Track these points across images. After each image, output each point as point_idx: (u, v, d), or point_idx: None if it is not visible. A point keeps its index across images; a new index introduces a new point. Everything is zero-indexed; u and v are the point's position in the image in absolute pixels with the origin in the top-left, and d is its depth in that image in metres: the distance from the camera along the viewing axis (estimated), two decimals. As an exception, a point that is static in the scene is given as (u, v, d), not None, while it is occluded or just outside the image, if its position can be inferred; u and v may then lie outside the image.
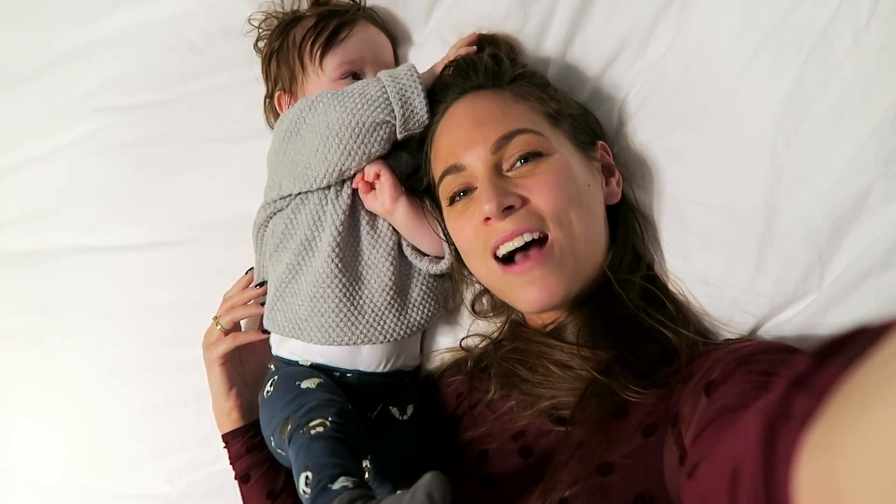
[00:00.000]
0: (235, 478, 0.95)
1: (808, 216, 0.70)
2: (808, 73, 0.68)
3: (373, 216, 0.91)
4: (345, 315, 0.87)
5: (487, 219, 0.77)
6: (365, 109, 0.83)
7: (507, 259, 0.78)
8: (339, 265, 0.87)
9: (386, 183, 0.86)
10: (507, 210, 0.76)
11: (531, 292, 0.77)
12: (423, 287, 0.92)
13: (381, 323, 0.89)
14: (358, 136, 0.84)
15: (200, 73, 1.10)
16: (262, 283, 0.96)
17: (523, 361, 0.80)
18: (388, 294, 0.89)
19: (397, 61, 1.02)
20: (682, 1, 0.84)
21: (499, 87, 0.84)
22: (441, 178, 0.84)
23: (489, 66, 0.85)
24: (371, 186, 0.88)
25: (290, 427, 0.75)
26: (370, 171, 0.87)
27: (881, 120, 0.65)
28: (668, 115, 0.83)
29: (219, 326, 0.96)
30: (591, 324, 0.78)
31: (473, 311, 0.96)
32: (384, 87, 0.84)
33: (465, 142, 0.80)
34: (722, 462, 0.41)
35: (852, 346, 0.31)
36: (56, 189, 1.18)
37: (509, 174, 0.79)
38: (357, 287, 0.88)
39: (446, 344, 0.99)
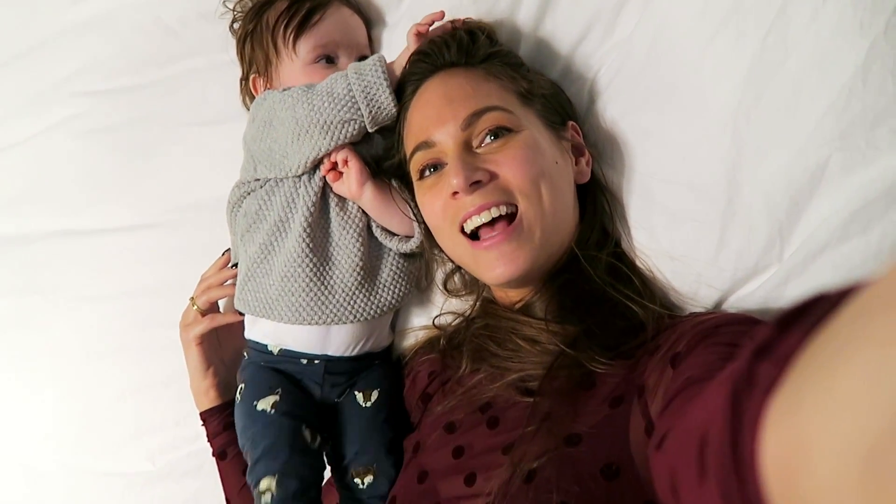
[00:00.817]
0: (213, 454, 0.96)
1: (768, 191, 0.71)
2: (767, 49, 0.69)
3: (342, 199, 0.91)
4: (315, 295, 0.88)
5: (455, 193, 0.78)
6: (332, 108, 0.84)
7: (474, 235, 0.80)
8: (310, 245, 0.88)
9: (353, 168, 0.87)
10: (475, 185, 0.77)
11: (497, 266, 0.78)
12: (394, 268, 0.93)
13: (352, 303, 0.90)
14: (327, 133, 0.85)
15: (178, 56, 1.10)
16: (238, 264, 0.97)
17: (493, 337, 0.82)
18: (357, 274, 0.89)
19: (371, 43, 1.02)
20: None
21: (471, 65, 0.85)
22: (412, 154, 0.84)
23: (463, 43, 0.85)
24: (339, 172, 0.88)
25: (247, 471, 0.85)
26: (337, 157, 0.87)
27: (837, 95, 0.66)
28: (636, 94, 0.84)
29: (195, 307, 0.97)
30: (558, 299, 0.80)
31: (446, 289, 0.97)
32: (350, 84, 0.84)
33: (435, 119, 0.81)
34: (689, 432, 0.41)
35: (812, 313, 0.31)
36: (36, 173, 1.18)
37: (479, 150, 0.79)
38: (327, 267, 0.89)
39: (420, 323, 1.00)
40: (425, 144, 0.82)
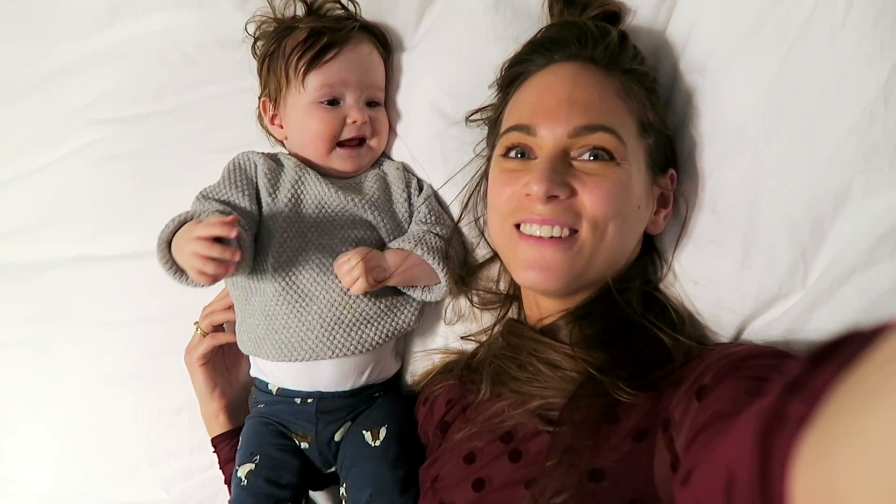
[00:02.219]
0: (225, 482, 0.95)
1: (790, 214, 0.71)
2: (786, 71, 0.69)
3: (321, 235, 0.90)
4: (294, 331, 0.89)
5: (529, 194, 0.75)
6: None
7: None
8: (284, 284, 0.88)
9: (380, 277, 0.87)
10: (552, 198, 0.74)
11: (532, 268, 0.76)
12: (380, 304, 0.92)
13: (331, 338, 0.89)
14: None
15: (195, 83, 1.11)
16: None
17: (514, 359, 0.80)
18: (335, 310, 0.89)
19: (390, 70, 1.01)
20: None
21: (610, 70, 0.79)
22: (508, 129, 0.80)
23: (612, 45, 0.79)
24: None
25: None
26: (359, 271, 0.84)
27: (860, 117, 0.66)
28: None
29: (198, 330, 0.97)
30: (586, 324, 0.78)
31: (472, 302, 0.95)
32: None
33: (549, 111, 0.77)
34: (717, 468, 0.40)
35: (845, 349, 0.31)
36: (53, 200, 1.19)
37: (574, 162, 0.76)
38: (305, 304, 0.89)
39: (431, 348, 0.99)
40: (526, 129, 0.78)
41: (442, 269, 0.91)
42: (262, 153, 0.96)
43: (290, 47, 0.94)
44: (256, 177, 0.93)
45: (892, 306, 0.66)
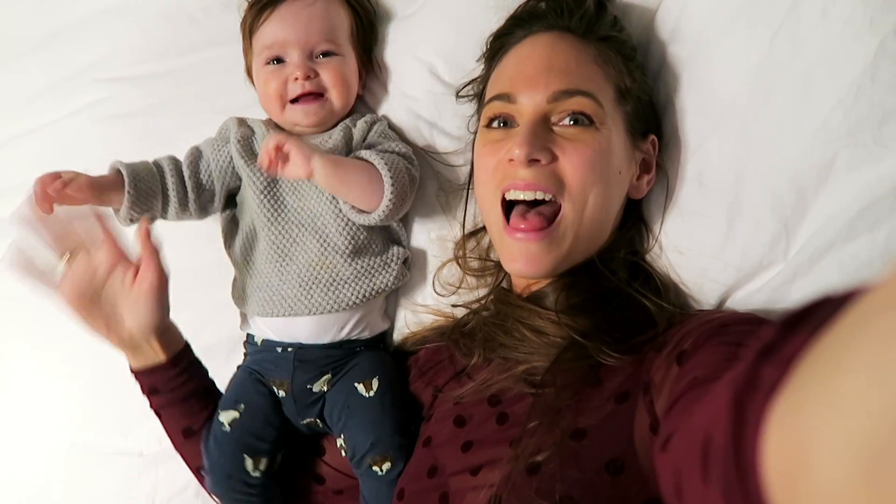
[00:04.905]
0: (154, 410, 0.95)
1: (775, 186, 0.72)
2: (777, 45, 0.70)
3: (298, 195, 0.93)
4: (275, 288, 0.93)
5: (512, 160, 0.77)
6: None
7: (510, 206, 0.79)
8: (266, 244, 0.93)
9: (293, 147, 0.82)
10: (533, 161, 0.76)
11: (518, 260, 0.79)
12: (359, 266, 0.93)
13: (308, 296, 0.92)
14: None
15: (199, 44, 1.12)
16: None
17: (502, 326, 0.82)
18: (312, 269, 0.92)
19: (367, 31, 1.00)
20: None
21: (587, 38, 0.81)
22: (490, 100, 0.83)
23: (588, 14, 0.82)
24: (283, 159, 0.83)
25: None
26: (269, 147, 0.82)
27: (846, 92, 0.67)
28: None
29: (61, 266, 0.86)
30: (573, 293, 0.80)
31: (465, 269, 0.96)
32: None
33: (527, 79, 0.79)
34: (693, 433, 0.41)
35: (817, 315, 0.31)
36: (57, 157, 1.18)
37: (554, 127, 0.78)
38: (286, 262, 0.92)
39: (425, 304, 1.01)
40: (507, 97, 0.80)
41: (388, 174, 0.87)
42: (238, 119, 0.99)
43: (245, 10, 0.97)
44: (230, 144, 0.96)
45: (871, 279, 0.67)
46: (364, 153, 0.90)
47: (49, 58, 1.20)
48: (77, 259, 0.85)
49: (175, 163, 0.95)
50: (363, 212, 0.90)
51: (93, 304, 0.86)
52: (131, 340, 0.89)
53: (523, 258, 0.78)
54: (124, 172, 0.89)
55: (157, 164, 0.94)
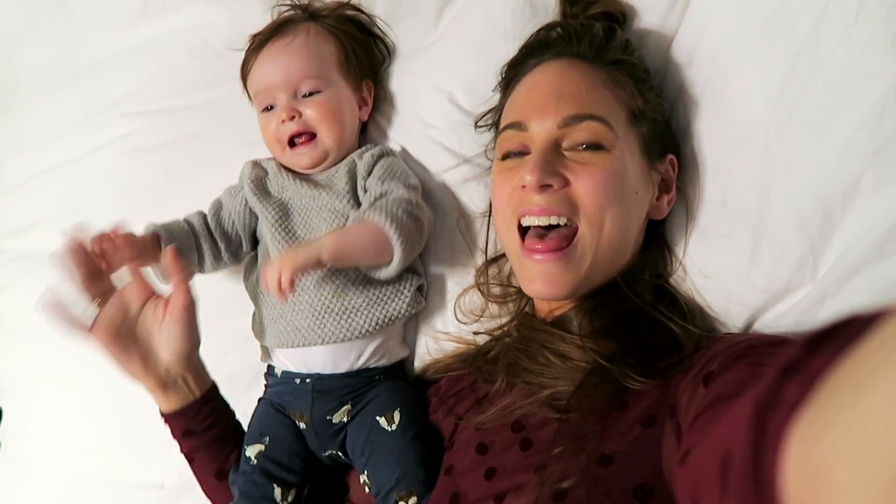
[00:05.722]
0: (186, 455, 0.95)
1: (800, 207, 0.71)
2: (798, 66, 0.70)
3: (308, 228, 0.95)
4: (290, 319, 0.93)
5: (525, 186, 0.77)
6: None
7: (526, 229, 0.79)
8: None
9: (292, 270, 0.80)
10: (546, 187, 0.76)
11: (537, 282, 0.78)
12: (370, 294, 0.93)
13: (321, 326, 0.92)
14: None
15: (224, 78, 1.14)
16: None
17: (526, 351, 0.81)
18: (323, 298, 0.92)
19: (360, 62, 1.00)
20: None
21: (597, 63, 0.82)
22: (503, 129, 0.84)
23: (597, 39, 0.82)
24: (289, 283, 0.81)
25: None
26: (272, 285, 0.80)
27: (870, 111, 0.66)
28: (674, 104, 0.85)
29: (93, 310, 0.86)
30: (596, 317, 0.79)
31: (487, 296, 0.96)
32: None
33: (537, 106, 0.80)
34: (713, 449, 0.41)
35: (843, 333, 0.31)
36: (84, 190, 1.23)
37: (566, 152, 0.78)
38: (298, 293, 0.92)
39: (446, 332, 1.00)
40: (519, 126, 0.81)
41: (393, 231, 0.86)
42: (253, 162, 1.02)
43: None
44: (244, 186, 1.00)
45: (900, 300, 0.66)
46: (363, 213, 0.89)
47: (78, 93, 1.24)
48: (108, 301, 0.87)
49: (203, 218, 1.00)
50: (378, 268, 0.91)
51: (128, 344, 0.87)
52: (167, 376, 0.90)
53: (542, 279, 0.78)
54: (161, 234, 0.93)
55: (188, 223, 0.98)
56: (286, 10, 1.03)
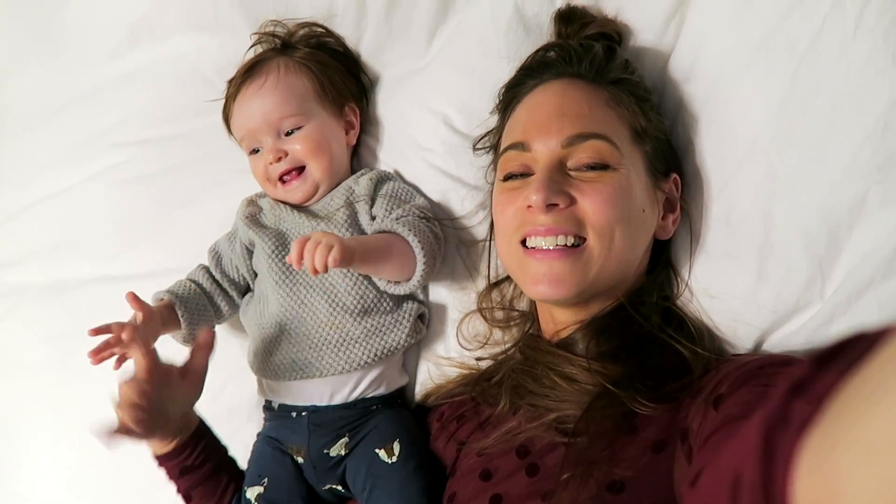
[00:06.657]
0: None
1: (806, 226, 0.71)
2: (798, 84, 0.70)
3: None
4: (286, 352, 0.93)
5: (530, 206, 0.76)
6: None
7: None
8: (276, 310, 0.93)
9: (336, 252, 0.76)
10: (552, 206, 0.75)
11: (542, 282, 0.76)
12: (367, 325, 0.92)
13: (319, 358, 0.91)
14: None
15: (215, 105, 1.13)
16: None
17: (530, 373, 0.80)
18: (322, 331, 0.91)
19: (346, 84, 1.01)
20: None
21: (598, 82, 0.81)
22: (505, 150, 0.82)
23: (597, 59, 0.81)
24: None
25: None
26: (320, 263, 0.76)
27: (873, 128, 0.66)
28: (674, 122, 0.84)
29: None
30: (602, 338, 0.78)
31: (489, 320, 0.94)
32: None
33: (540, 126, 0.79)
34: (723, 470, 0.41)
35: (850, 351, 0.31)
36: (75, 221, 1.21)
37: (570, 172, 0.76)
38: (296, 325, 0.92)
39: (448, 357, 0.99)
40: (521, 146, 0.79)
41: (418, 244, 0.86)
42: (248, 199, 1.04)
43: None
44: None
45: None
46: (389, 224, 0.89)
47: (68, 124, 1.22)
48: (123, 395, 0.85)
49: (207, 273, 1.00)
50: (398, 283, 0.90)
51: (150, 423, 0.84)
52: (173, 426, 0.91)
53: (547, 279, 0.75)
54: (175, 302, 0.95)
55: (194, 283, 0.99)
56: (262, 40, 1.04)
